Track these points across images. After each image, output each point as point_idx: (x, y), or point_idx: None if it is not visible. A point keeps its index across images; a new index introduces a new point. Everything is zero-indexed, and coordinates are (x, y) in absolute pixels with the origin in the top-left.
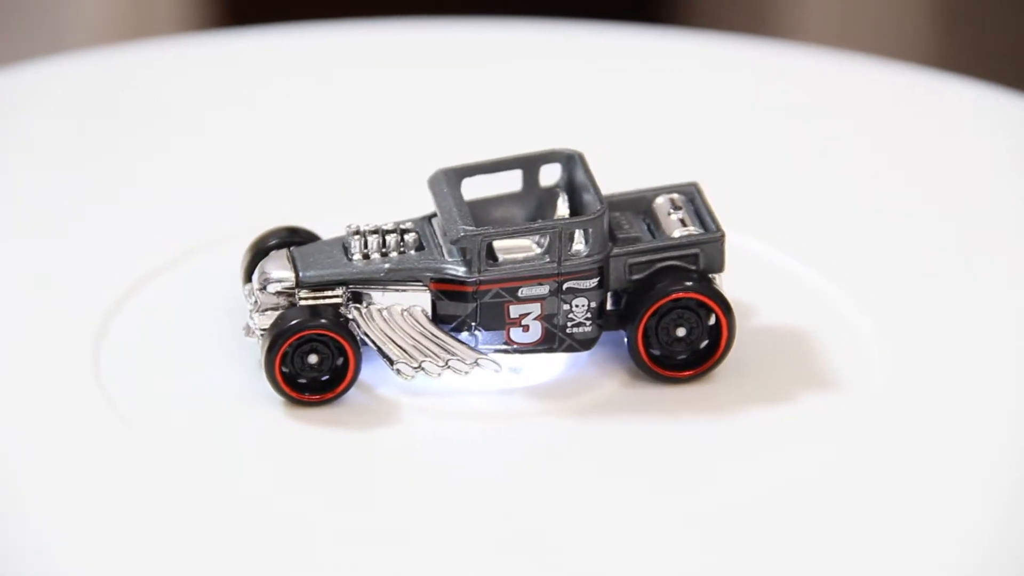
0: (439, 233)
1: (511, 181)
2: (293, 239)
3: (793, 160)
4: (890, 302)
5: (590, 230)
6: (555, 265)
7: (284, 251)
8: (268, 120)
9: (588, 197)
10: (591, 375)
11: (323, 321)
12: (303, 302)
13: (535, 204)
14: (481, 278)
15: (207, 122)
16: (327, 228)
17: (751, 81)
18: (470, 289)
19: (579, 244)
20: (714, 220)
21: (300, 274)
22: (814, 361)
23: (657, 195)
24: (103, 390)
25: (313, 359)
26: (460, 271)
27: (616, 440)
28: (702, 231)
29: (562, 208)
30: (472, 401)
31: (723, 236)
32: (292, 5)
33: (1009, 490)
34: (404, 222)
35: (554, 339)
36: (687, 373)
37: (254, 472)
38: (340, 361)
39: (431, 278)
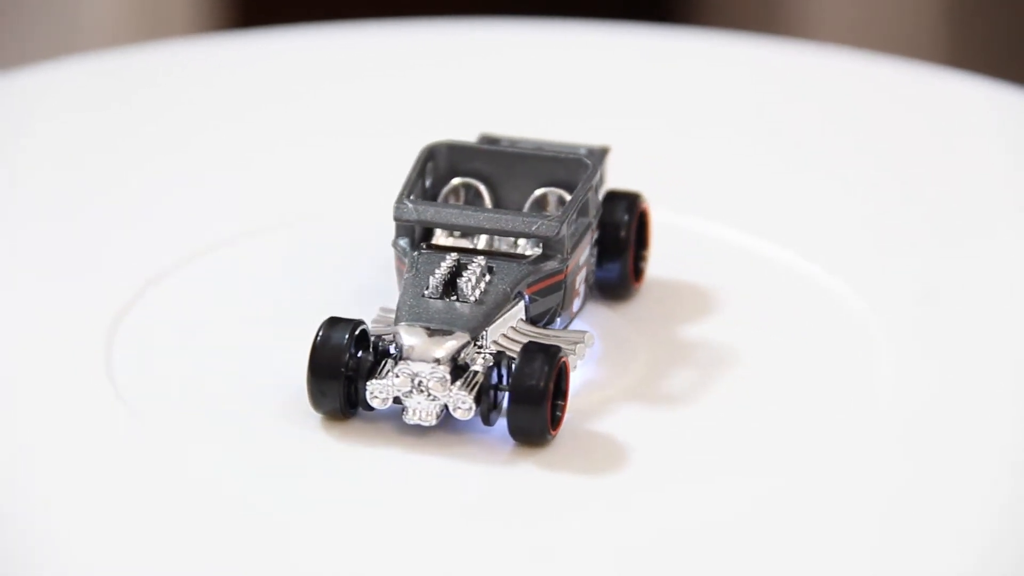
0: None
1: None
2: (358, 324)
3: (801, 157)
4: (896, 298)
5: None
6: (592, 222)
7: (407, 327)
8: (278, 120)
9: (480, 165)
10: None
11: (564, 349)
12: (470, 354)
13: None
14: (568, 259)
15: (217, 122)
16: (339, 225)
17: (760, 79)
18: (563, 276)
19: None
20: (570, 145)
21: (469, 333)
22: (821, 360)
23: None
24: (114, 385)
25: None
26: (553, 264)
27: (615, 440)
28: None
29: (484, 190)
30: None
31: (609, 149)
32: (300, 8)
33: (1010, 491)
34: (425, 256)
35: (584, 295)
36: (642, 275)
37: (264, 468)
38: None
39: (528, 283)
